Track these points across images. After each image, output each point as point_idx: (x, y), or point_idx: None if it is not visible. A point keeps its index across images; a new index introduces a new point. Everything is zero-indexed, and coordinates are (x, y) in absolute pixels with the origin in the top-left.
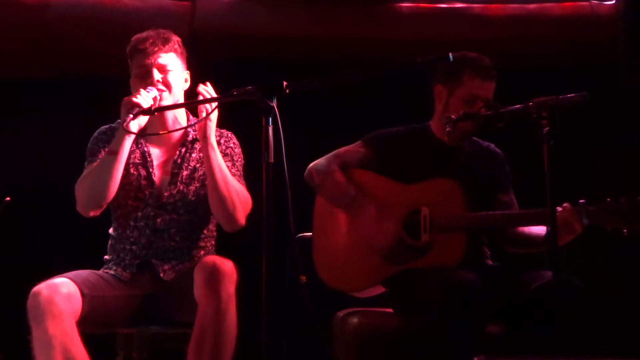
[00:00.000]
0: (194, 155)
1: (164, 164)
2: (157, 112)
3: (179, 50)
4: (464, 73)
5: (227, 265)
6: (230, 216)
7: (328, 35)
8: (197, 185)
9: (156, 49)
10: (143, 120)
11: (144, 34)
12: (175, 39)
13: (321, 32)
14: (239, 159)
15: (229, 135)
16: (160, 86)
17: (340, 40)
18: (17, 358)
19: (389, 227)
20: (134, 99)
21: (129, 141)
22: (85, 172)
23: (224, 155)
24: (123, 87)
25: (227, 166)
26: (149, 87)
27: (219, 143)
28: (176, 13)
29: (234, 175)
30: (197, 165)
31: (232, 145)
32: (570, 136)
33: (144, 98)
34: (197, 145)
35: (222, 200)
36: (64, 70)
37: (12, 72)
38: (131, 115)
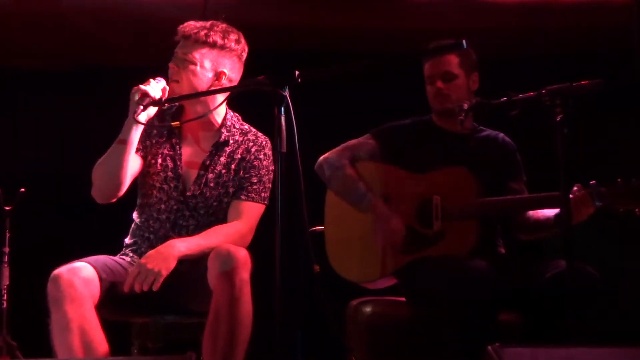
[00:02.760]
0: (222, 159)
1: (192, 160)
2: (167, 103)
3: (218, 43)
4: (423, 62)
5: (241, 253)
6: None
7: (340, 25)
8: (221, 191)
9: (186, 36)
10: (152, 110)
11: (191, 23)
12: (221, 33)
13: (333, 22)
14: (266, 172)
15: (263, 143)
16: (174, 74)
17: (352, 30)
18: (32, 347)
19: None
20: (142, 87)
21: (137, 131)
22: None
23: (251, 167)
24: (137, 77)
25: (252, 180)
26: (158, 77)
27: (249, 152)
28: (189, 3)
29: (253, 192)
30: (224, 170)
31: (261, 156)
32: (584, 122)
33: (153, 88)
34: (227, 148)
35: None
36: (79, 61)
37: (27, 63)
38: (142, 107)
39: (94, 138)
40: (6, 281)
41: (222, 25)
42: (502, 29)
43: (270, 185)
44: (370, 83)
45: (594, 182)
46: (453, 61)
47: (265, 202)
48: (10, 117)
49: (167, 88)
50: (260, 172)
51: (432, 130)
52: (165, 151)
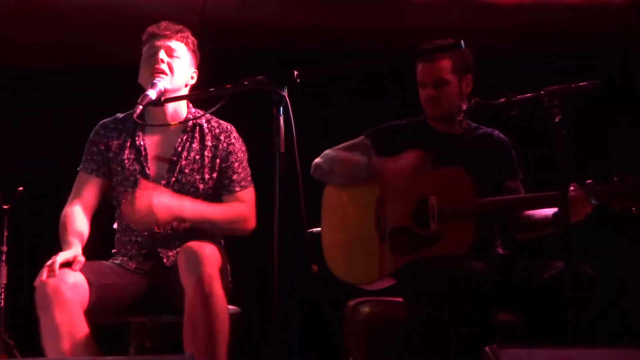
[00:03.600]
0: (194, 145)
1: (161, 153)
2: (166, 102)
3: (190, 46)
4: (416, 62)
5: (205, 249)
6: (238, 233)
7: (338, 25)
8: (197, 177)
9: (167, 33)
10: None
11: (167, 24)
12: (191, 38)
13: (331, 21)
14: (243, 155)
15: (229, 128)
16: (163, 66)
17: (351, 29)
18: (29, 346)
19: (397, 212)
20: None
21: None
22: (64, 209)
23: (228, 154)
24: (135, 77)
25: (237, 170)
26: (157, 79)
27: (218, 139)
28: (187, 2)
29: (242, 180)
30: (197, 156)
31: (233, 141)
32: (582, 122)
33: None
34: (197, 135)
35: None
36: (78, 60)
37: (26, 62)
38: (140, 107)
39: None
40: (4, 280)
41: (185, 27)
42: (501, 29)
43: (247, 163)
44: (369, 82)
45: (590, 181)
46: (445, 67)
47: (252, 183)
48: (9, 116)
49: (162, 89)
50: (239, 156)
51: (427, 131)
52: (132, 156)
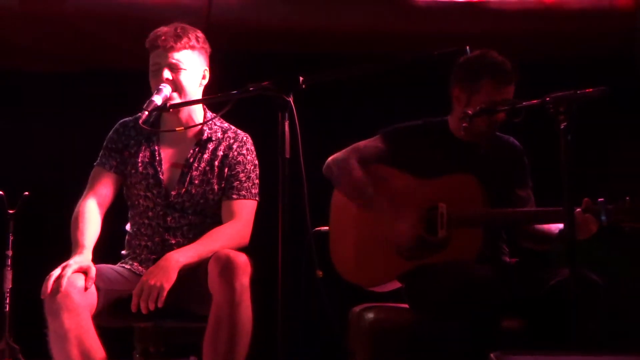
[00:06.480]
0: (205, 156)
1: (175, 162)
2: (172, 108)
3: (196, 46)
4: (482, 80)
5: (240, 258)
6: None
7: (344, 29)
8: (206, 188)
9: (169, 46)
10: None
11: (160, 30)
12: (194, 34)
13: (337, 25)
14: (252, 168)
15: (244, 139)
16: (166, 83)
17: (356, 34)
18: (34, 350)
19: (404, 227)
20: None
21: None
22: (78, 204)
23: (236, 163)
24: (141, 81)
25: (240, 178)
26: (162, 84)
27: (230, 148)
28: (193, 7)
29: (243, 190)
30: (207, 168)
31: (244, 151)
32: (587, 129)
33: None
34: (210, 145)
35: None
36: (84, 64)
37: (31, 65)
38: (146, 112)
39: (98, 141)
40: (9, 284)
41: (188, 27)
42: (505, 35)
43: (257, 180)
44: (375, 86)
45: (601, 199)
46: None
47: (257, 198)
48: (14, 120)
49: (168, 95)
50: (247, 167)
51: (445, 134)
52: (146, 159)
